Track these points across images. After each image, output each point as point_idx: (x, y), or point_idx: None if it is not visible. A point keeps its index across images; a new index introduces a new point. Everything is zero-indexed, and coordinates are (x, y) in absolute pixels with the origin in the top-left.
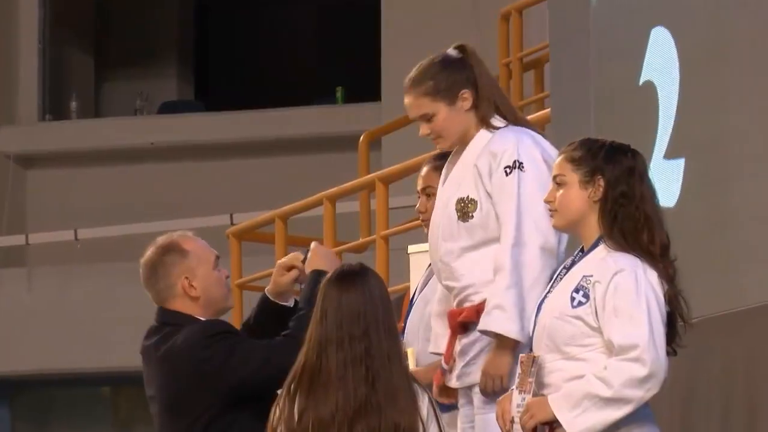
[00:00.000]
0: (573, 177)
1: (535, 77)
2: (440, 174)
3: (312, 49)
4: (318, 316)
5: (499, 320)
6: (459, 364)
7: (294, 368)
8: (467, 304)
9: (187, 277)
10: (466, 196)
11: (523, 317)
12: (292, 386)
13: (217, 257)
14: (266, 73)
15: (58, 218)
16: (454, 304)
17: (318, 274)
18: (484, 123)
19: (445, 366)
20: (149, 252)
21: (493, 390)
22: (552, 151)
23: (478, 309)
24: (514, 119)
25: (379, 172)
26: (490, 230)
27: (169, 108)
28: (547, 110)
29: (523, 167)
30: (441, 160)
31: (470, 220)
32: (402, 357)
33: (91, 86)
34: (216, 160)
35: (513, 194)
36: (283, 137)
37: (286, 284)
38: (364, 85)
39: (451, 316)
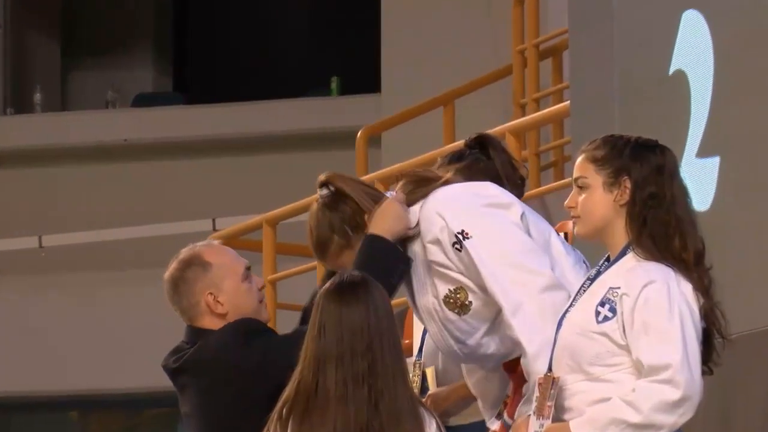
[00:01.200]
0: (596, 179)
1: (553, 66)
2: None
3: (304, 34)
4: (314, 331)
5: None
6: (524, 410)
7: (286, 390)
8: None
9: (211, 293)
10: (448, 291)
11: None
12: (284, 410)
13: (248, 267)
14: (253, 62)
15: (19, 224)
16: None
17: (372, 240)
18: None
19: (510, 421)
20: (170, 267)
21: None
22: (481, 189)
23: None
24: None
25: (379, 172)
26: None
27: (144, 101)
28: (566, 103)
29: (466, 235)
30: (455, 161)
31: (471, 308)
32: (407, 377)
33: (57, 76)
34: (197, 159)
35: (479, 266)
36: (272, 133)
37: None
38: (362, 75)
39: (509, 369)
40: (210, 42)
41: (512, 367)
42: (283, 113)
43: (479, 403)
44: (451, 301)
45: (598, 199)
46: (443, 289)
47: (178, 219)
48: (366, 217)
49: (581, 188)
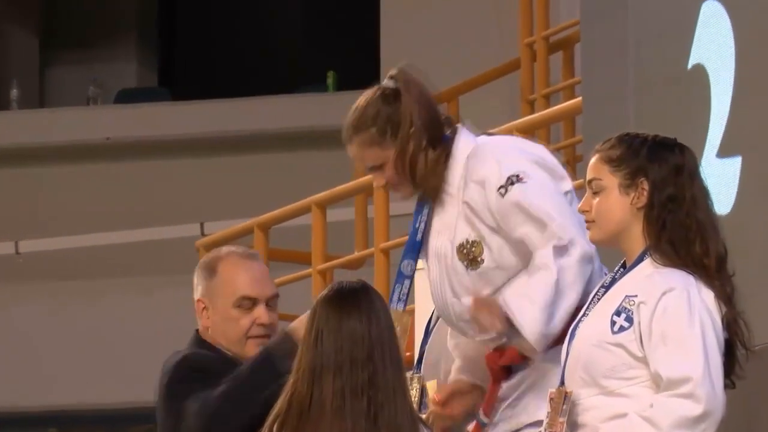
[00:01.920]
0: (611, 180)
1: (563, 60)
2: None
3: (297, 26)
4: (311, 340)
5: (525, 313)
6: (500, 407)
7: (278, 403)
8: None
9: (203, 302)
10: (465, 240)
11: (549, 326)
12: (276, 425)
13: (250, 298)
14: (243, 56)
15: None
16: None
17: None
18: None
19: (485, 419)
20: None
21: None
22: (536, 149)
23: None
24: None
25: None
26: (508, 266)
27: (127, 97)
28: (578, 99)
29: (520, 179)
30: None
31: (482, 266)
32: (408, 392)
33: (35, 71)
34: (184, 159)
35: (523, 208)
36: (264, 131)
37: None
38: (360, 70)
39: (491, 360)
40: (198, 34)
41: (494, 359)
42: (276, 110)
43: (456, 363)
44: (465, 251)
45: (614, 202)
46: (462, 235)
47: (164, 223)
48: (411, 130)
49: (595, 191)
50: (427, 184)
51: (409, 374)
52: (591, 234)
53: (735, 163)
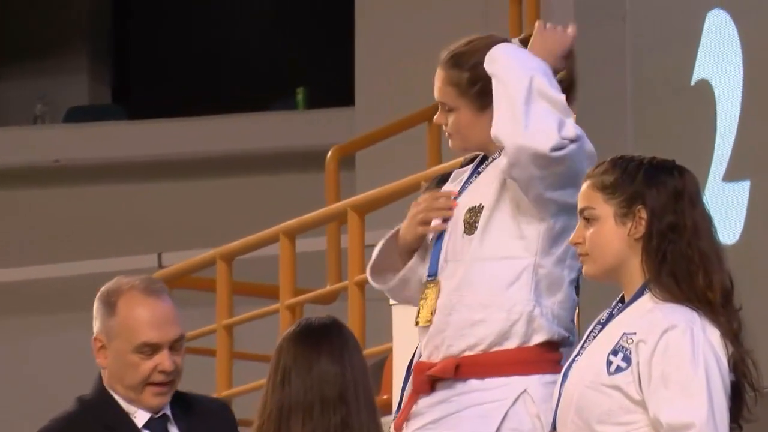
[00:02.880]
0: (606, 209)
1: None
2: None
3: (266, 38)
4: (277, 379)
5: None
6: (411, 427)
7: None
8: (443, 354)
9: (98, 338)
10: (478, 204)
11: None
12: None
13: (151, 345)
14: (205, 71)
15: None
16: (424, 353)
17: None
18: None
19: None
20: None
21: None
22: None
23: (461, 363)
24: None
25: (352, 199)
26: (503, 240)
27: (78, 115)
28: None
29: (577, 139)
30: (440, 184)
31: (475, 232)
32: None
33: None
34: (140, 183)
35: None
36: (228, 153)
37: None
38: (333, 86)
39: (419, 370)
40: (155, 46)
41: (423, 368)
42: (241, 130)
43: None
44: (470, 214)
45: (610, 233)
46: (478, 198)
47: (118, 254)
48: None
49: (588, 221)
50: (484, 149)
51: (388, 419)
52: (585, 268)
53: (743, 188)
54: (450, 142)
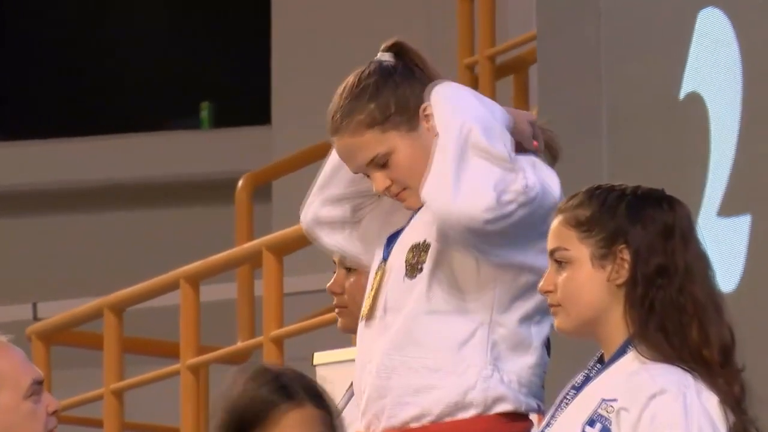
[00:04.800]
0: (581, 250)
1: (515, 86)
2: None
3: (162, 41)
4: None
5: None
6: None
7: None
8: (384, 426)
9: None
10: (422, 241)
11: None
12: None
13: (39, 382)
14: (90, 82)
15: None
16: (362, 422)
17: None
18: None
19: None
20: None
21: None
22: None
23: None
24: None
25: (268, 237)
26: (453, 288)
27: None
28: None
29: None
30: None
31: (418, 275)
32: None
33: None
34: (12, 217)
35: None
36: (116, 181)
37: None
38: (245, 100)
39: None
40: (28, 52)
41: None
42: (133, 152)
43: None
44: (413, 253)
45: (586, 279)
46: (421, 235)
47: None
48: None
49: (560, 264)
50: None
51: None
52: (557, 322)
53: (742, 223)
54: (405, 204)
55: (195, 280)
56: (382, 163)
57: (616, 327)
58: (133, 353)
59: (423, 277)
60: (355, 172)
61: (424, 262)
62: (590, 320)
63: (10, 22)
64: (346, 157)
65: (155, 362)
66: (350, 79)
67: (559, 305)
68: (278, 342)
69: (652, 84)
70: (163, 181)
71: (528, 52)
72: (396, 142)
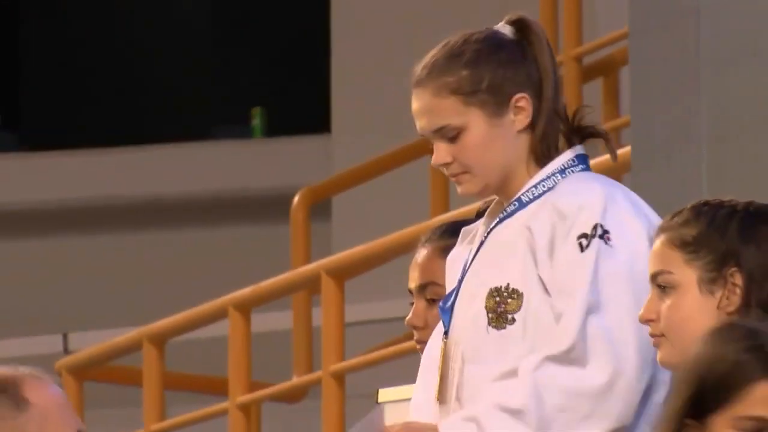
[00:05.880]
0: (687, 274)
1: (604, 90)
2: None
3: (206, 44)
4: None
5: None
6: None
7: None
8: None
9: None
10: (505, 285)
11: None
12: None
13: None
14: (126, 87)
15: None
16: None
17: None
18: (544, 157)
19: None
20: None
21: None
22: (656, 218)
23: None
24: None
25: (327, 259)
26: (539, 345)
27: None
28: (626, 149)
29: (608, 238)
30: (450, 236)
31: (509, 327)
32: None
33: None
34: (39, 237)
35: (586, 281)
36: (156, 197)
37: None
38: (301, 105)
39: None
40: (54, 55)
41: None
42: (174, 165)
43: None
44: (497, 299)
45: (692, 307)
46: (504, 276)
47: (11, 335)
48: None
49: (664, 289)
50: (506, 181)
51: None
52: (660, 354)
53: None
54: (459, 187)
55: (246, 308)
56: (450, 135)
57: None
58: (175, 390)
59: (517, 327)
60: (421, 133)
61: (516, 311)
62: None
63: (29, 16)
64: (419, 113)
65: (201, 400)
66: (456, 37)
67: (663, 336)
68: (339, 377)
69: (758, 89)
70: (210, 196)
71: (618, 51)
72: (474, 121)
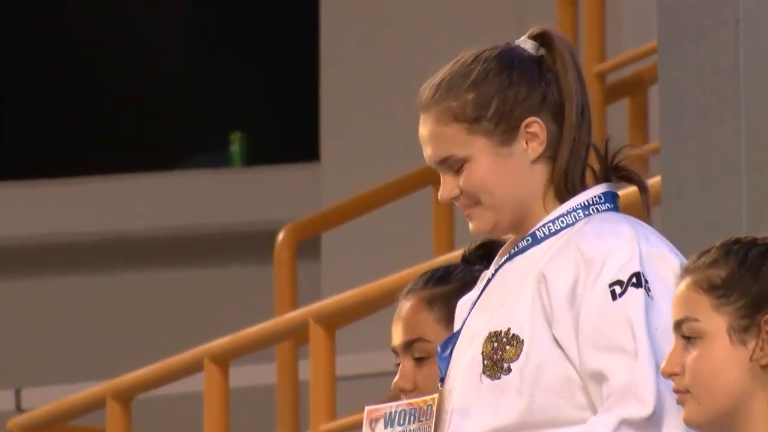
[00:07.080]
0: (716, 321)
1: (630, 112)
2: (441, 313)
3: (180, 61)
4: None
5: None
6: None
7: None
8: None
9: None
10: (505, 330)
11: None
12: None
13: None
14: (101, 113)
15: None
16: None
17: None
18: (566, 191)
19: None
20: None
21: None
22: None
23: None
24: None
25: (316, 305)
26: (538, 402)
27: None
28: (656, 179)
29: (649, 289)
30: (435, 284)
31: (503, 377)
32: None
33: None
34: None
35: (637, 334)
36: (122, 233)
37: None
38: (286, 131)
39: None
40: (34, 85)
41: None
42: (141, 198)
43: None
44: (494, 345)
45: (722, 358)
46: (505, 320)
47: None
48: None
49: (689, 340)
50: (521, 218)
51: None
52: (685, 412)
53: None
54: (471, 224)
55: (224, 360)
56: (456, 168)
57: (761, 419)
58: None
59: (513, 378)
60: (428, 162)
61: (514, 359)
62: (728, 411)
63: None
64: (424, 140)
65: None
66: (468, 53)
67: (688, 391)
68: None
69: None
70: (183, 233)
71: (647, 69)
72: (479, 151)
